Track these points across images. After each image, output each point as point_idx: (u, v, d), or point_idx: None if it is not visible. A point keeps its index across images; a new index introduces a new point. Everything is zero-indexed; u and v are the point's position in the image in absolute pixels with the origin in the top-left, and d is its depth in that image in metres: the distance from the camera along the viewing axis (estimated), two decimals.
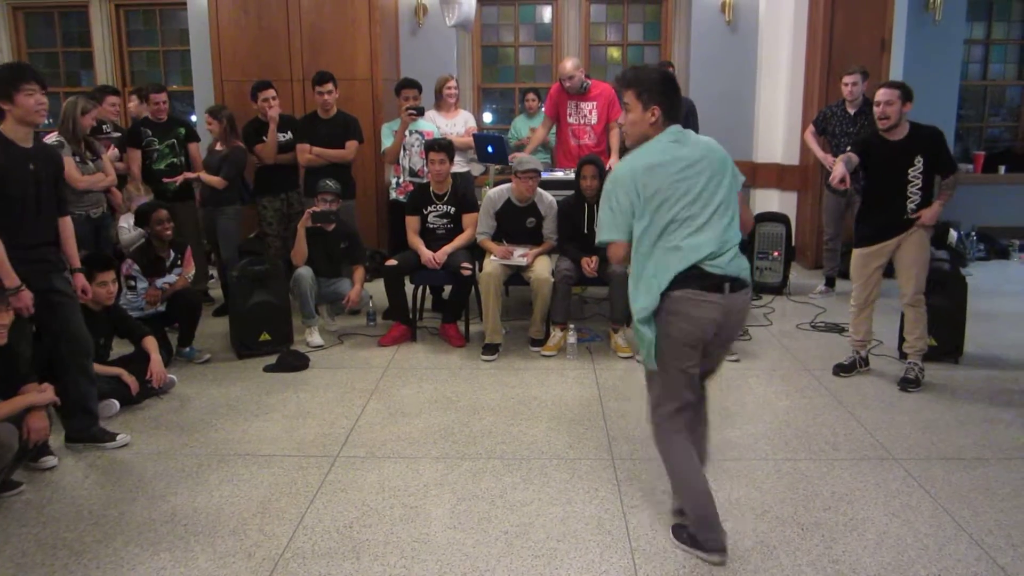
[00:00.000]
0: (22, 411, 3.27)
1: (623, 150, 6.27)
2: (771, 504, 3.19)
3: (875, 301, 4.62)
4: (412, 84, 6.01)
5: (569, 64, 6.17)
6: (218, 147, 5.95)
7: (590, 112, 6.29)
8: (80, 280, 3.80)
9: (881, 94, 4.34)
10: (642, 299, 2.71)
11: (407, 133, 5.94)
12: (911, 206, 4.37)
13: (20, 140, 3.45)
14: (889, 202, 4.41)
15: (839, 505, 3.18)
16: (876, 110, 4.36)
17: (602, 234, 2.77)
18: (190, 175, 5.90)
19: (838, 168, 4.26)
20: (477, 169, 6.86)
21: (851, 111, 6.12)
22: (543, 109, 6.77)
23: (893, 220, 4.41)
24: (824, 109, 6.42)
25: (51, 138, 4.99)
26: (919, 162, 4.33)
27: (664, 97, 2.69)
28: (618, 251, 2.79)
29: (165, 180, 5.86)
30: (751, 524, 3.04)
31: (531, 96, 7.58)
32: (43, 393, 3.37)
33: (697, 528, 2.82)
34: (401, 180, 6.03)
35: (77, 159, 5.09)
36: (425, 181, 5.60)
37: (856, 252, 4.59)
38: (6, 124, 3.43)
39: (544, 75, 8.78)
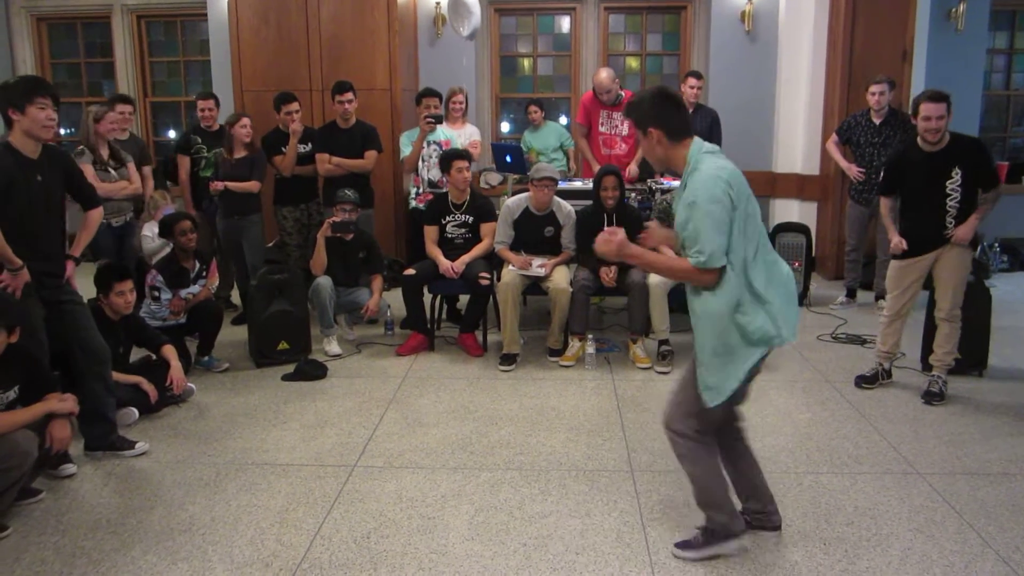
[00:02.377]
0: (43, 419, 3.27)
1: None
2: (793, 518, 3.14)
3: (908, 314, 4.55)
4: (433, 93, 6.03)
5: (605, 75, 6.18)
6: (236, 155, 5.86)
7: (621, 123, 6.31)
8: (70, 267, 3.71)
9: (932, 109, 4.11)
10: (759, 323, 2.57)
11: (425, 144, 5.94)
12: (949, 219, 4.24)
13: (28, 152, 3.43)
14: (926, 215, 4.30)
15: (862, 520, 3.14)
16: (927, 124, 4.14)
17: (712, 259, 2.50)
18: (220, 184, 5.73)
19: (895, 240, 4.41)
20: (495, 179, 6.87)
21: (876, 121, 6.07)
22: (576, 120, 6.70)
23: (930, 234, 4.31)
24: (848, 118, 6.37)
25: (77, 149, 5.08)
26: (957, 174, 4.19)
27: (658, 114, 2.61)
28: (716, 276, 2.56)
29: (212, 188, 5.79)
30: (772, 538, 2.99)
31: (534, 108, 7.27)
32: (64, 402, 3.34)
33: (720, 518, 2.82)
34: (421, 190, 6.03)
35: (97, 166, 5.13)
36: (444, 191, 5.59)
37: (892, 263, 4.51)
38: (14, 135, 3.41)
39: (562, 85, 8.78)
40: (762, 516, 3.02)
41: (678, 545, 2.92)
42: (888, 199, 4.57)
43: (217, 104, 6.36)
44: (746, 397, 2.85)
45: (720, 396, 2.64)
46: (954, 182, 4.21)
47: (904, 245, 4.37)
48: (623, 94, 6.29)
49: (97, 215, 3.86)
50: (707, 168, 2.56)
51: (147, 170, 5.96)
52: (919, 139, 4.28)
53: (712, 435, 2.80)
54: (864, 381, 4.66)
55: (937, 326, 4.46)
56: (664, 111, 2.62)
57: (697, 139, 2.66)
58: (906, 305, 4.50)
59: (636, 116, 2.67)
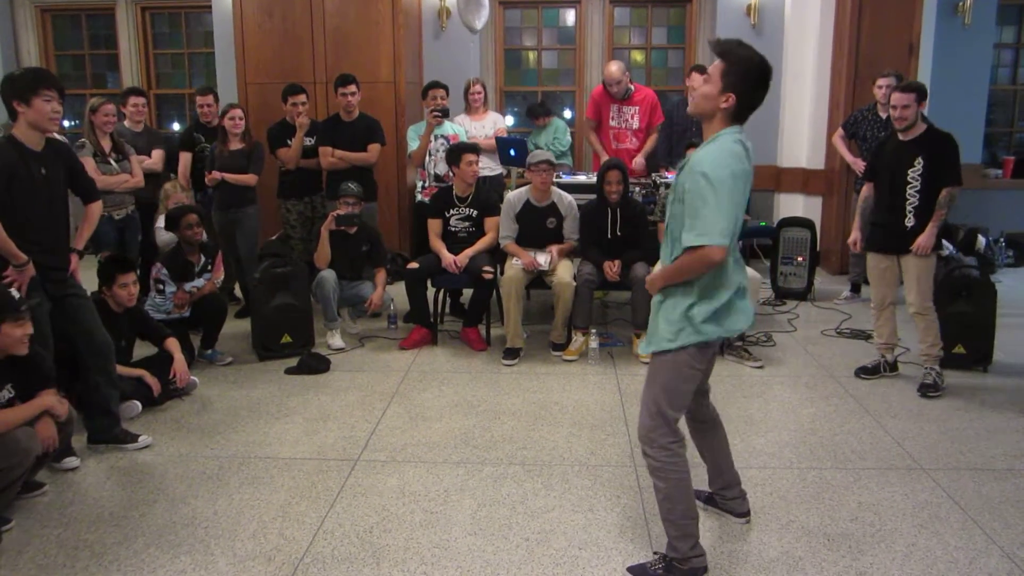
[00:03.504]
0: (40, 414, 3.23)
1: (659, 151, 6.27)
2: (797, 514, 3.14)
3: (893, 304, 4.58)
4: (439, 85, 6.01)
5: (615, 68, 6.15)
6: (232, 146, 5.78)
7: (632, 117, 6.28)
8: (75, 261, 3.69)
9: (898, 99, 4.25)
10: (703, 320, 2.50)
11: (432, 138, 5.92)
12: (910, 208, 4.30)
13: (32, 144, 3.42)
14: (889, 202, 4.38)
15: (866, 516, 3.13)
16: (893, 113, 4.30)
17: (709, 237, 2.35)
18: (217, 175, 5.69)
19: (852, 235, 4.70)
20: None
21: (883, 115, 6.03)
22: (586, 114, 6.64)
23: (891, 227, 4.38)
24: (855, 112, 6.34)
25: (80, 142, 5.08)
26: (919, 163, 4.25)
27: (747, 87, 2.40)
28: (719, 254, 2.38)
29: (208, 179, 5.76)
30: (776, 534, 2.99)
31: (532, 118, 7.21)
32: (61, 404, 3.26)
33: (681, 544, 2.65)
34: (427, 184, 6.02)
35: (97, 158, 5.12)
36: (448, 184, 5.58)
37: (868, 252, 4.62)
38: (18, 127, 3.40)
39: (567, 78, 8.75)
40: (725, 497, 3.05)
41: (632, 570, 2.75)
42: (867, 189, 4.66)
43: (216, 99, 6.31)
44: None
45: (647, 347, 2.62)
46: (916, 170, 4.27)
47: (857, 248, 4.66)
48: (632, 87, 6.26)
49: (97, 208, 3.85)
50: (725, 144, 2.43)
51: (157, 152, 5.93)
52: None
53: (681, 442, 2.62)
54: (864, 372, 4.68)
55: (914, 322, 4.48)
56: (758, 90, 2.43)
57: (740, 127, 2.49)
58: (888, 294, 4.55)
59: (732, 68, 2.40)
